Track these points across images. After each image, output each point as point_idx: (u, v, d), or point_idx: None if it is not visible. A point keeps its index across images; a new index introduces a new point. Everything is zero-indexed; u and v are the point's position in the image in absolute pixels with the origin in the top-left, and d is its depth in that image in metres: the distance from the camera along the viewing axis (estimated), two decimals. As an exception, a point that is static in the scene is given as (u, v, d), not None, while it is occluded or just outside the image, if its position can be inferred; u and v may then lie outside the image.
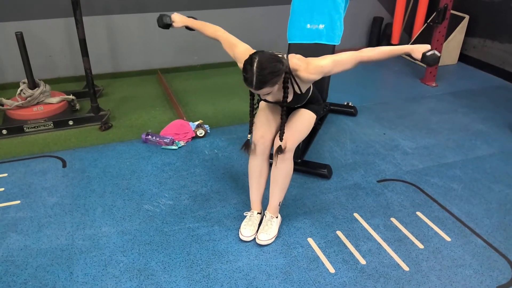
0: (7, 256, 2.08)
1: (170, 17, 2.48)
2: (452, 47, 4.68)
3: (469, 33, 4.66)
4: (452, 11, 4.53)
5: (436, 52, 2.04)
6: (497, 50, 4.43)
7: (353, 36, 4.98)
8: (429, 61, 2.04)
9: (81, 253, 2.10)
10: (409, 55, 2.09)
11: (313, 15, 2.84)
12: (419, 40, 4.81)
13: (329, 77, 2.89)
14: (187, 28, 2.46)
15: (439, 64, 4.31)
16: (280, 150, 2.11)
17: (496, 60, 4.45)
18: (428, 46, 2.06)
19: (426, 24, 4.80)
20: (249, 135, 2.21)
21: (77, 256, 2.08)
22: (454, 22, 4.55)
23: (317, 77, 2.06)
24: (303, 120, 2.25)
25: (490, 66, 4.51)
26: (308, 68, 2.02)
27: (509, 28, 4.27)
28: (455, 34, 4.59)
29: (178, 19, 2.47)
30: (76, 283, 1.94)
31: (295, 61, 2.07)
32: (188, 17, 2.47)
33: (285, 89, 2.01)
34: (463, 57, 4.80)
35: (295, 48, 2.92)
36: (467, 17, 4.55)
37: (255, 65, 1.83)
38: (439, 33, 3.99)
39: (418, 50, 2.06)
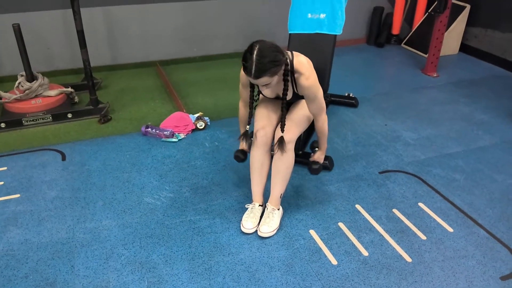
0: (8, 250, 2.07)
1: (241, 152, 2.36)
2: (453, 37, 4.64)
3: (470, 22, 4.62)
4: (453, 1, 4.49)
5: (316, 168, 2.34)
6: (498, 40, 4.40)
7: (354, 26, 4.93)
8: (313, 166, 2.35)
9: (82, 247, 2.09)
10: (316, 148, 2.38)
11: (315, 4, 2.81)
12: (420, 30, 4.78)
13: (330, 68, 2.86)
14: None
15: (441, 54, 4.28)
16: (282, 141, 2.09)
17: (498, 50, 4.42)
18: (321, 158, 2.36)
19: (427, 13, 4.77)
20: (247, 126, 2.20)
21: (78, 250, 2.07)
22: (455, 12, 4.51)
23: (307, 91, 2.07)
24: (304, 112, 2.23)
25: (492, 55, 4.48)
26: (309, 78, 2.03)
27: (510, 17, 4.23)
28: (456, 24, 4.56)
29: (243, 144, 2.35)
30: (78, 277, 1.93)
31: (303, 60, 2.03)
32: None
33: (285, 81, 1.99)
34: (464, 47, 4.76)
35: (296, 38, 2.89)
36: (468, 6, 4.51)
37: (255, 52, 1.80)
38: (440, 22, 3.95)
39: (319, 157, 2.35)
